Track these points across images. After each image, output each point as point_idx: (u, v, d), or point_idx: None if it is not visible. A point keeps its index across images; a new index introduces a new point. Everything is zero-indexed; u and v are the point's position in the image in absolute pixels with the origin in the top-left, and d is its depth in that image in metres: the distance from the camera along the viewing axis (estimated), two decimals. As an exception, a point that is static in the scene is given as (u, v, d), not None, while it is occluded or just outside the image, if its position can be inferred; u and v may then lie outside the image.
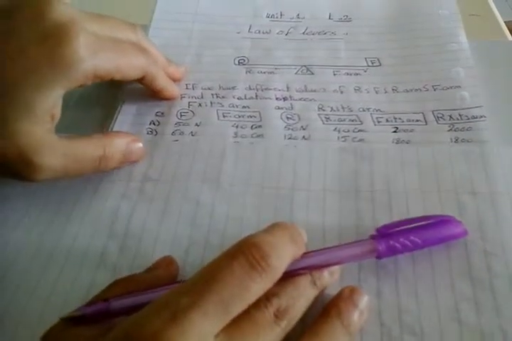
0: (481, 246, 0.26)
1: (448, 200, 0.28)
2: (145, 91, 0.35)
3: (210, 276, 0.20)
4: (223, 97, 0.35)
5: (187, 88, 0.36)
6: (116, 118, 0.34)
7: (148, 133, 0.33)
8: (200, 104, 0.35)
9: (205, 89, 0.36)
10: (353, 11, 0.42)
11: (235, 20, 0.41)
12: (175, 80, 0.35)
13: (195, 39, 0.40)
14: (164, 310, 0.19)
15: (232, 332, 0.20)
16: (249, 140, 0.32)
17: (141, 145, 0.31)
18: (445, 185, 0.29)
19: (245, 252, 0.21)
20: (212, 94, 0.36)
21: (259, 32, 0.40)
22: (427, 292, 0.25)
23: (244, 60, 0.38)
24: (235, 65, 0.38)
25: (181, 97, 0.35)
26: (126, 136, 0.31)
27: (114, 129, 0.33)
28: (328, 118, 0.34)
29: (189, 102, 0.35)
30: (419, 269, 0.25)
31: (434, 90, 0.35)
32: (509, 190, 0.28)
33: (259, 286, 0.20)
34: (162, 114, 0.34)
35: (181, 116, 0.34)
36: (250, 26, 0.41)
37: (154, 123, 0.34)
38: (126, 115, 0.34)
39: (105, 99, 0.36)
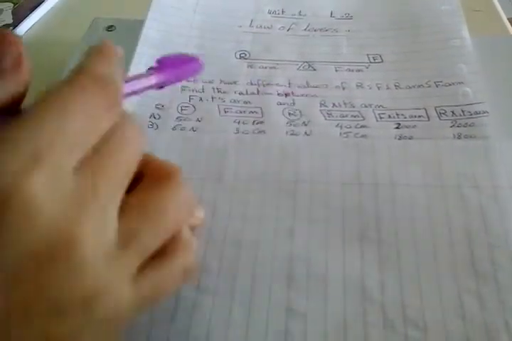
0: (484, 240, 0.26)
1: (451, 194, 0.28)
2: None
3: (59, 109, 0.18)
4: (224, 92, 0.35)
5: (187, 80, 0.36)
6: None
7: (149, 127, 0.33)
8: (201, 99, 0.35)
9: (206, 82, 0.36)
10: (354, 9, 0.42)
11: (237, 14, 0.41)
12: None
13: (196, 29, 0.40)
14: (23, 150, 0.16)
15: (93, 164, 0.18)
16: (251, 136, 0.32)
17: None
18: (448, 180, 0.29)
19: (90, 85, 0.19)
20: (213, 88, 0.35)
21: (261, 27, 0.40)
22: (431, 286, 0.25)
23: (246, 54, 0.38)
24: (236, 58, 0.38)
25: (182, 89, 0.35)
26: None
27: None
28: (330, 114, 0.33)
29: (190, 96, 0.35)
30: (422, 263, 0.25)
31: (437, 86, 0.34)
32: (511, 184, 0.28)
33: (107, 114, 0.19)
34: (162, 106, 0.34)
35: (182, 110, 0.34)
36: (252, 21, 0.41)
37: (155, 117, 0.34)
38: (125, 105, 0.34)
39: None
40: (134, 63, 0.36)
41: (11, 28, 0.45)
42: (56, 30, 0.46)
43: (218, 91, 0.35)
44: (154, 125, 0.33)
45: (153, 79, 0.26)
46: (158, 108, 0.34)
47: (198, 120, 0.33)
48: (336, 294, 0.24)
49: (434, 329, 0.23)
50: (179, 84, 0.35)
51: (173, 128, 0.33)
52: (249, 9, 0.42)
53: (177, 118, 0.33)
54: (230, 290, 0.25)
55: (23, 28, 0.45)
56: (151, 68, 0.26)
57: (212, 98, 0.35)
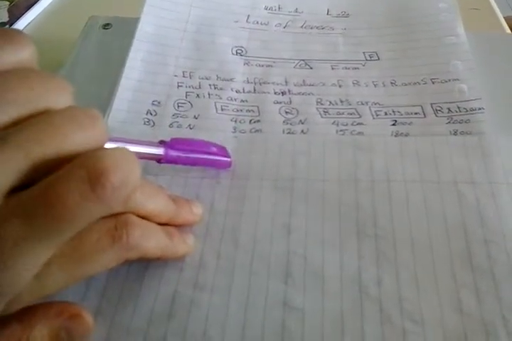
0: (480, 235, 0.26)
1: (447, 190, 0.28)
2: (141, 76, 0.34)
3: None
4: (221, 89, 0.35)
5: (184, 76, 0.36)
6: (112, 105, 0.33)
7: (145, 124, 0.33)
8: (197, 95, 0.35)
9: (202, 78, 0.36)
10: (350, 7, 0.42)
11: (233, 9, 0.41)
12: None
13: (192, 24, 0.39)
14: None
15: None
16: (248, 135, 0.32)
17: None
18: (444, 176, 0.29)
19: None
20: (209, 85, 0.35)
21: (258, 23, 0.40)
22: (428, 281, 0.25)
23: (242, 51, 0.38)
24: (233, 54, 0.38)
25: (178, 86, 0.35)
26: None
27: (111, 117, 0.33)
28: (326, 112, 0.34)
29: (186, 92, 0.35)
30: (419, 258, 0.25)
31: (433, 83, 0.35)
32: (508, 180, 0.28)
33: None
34: (159, 103, 0.34)
35: (179, 106, 0.34)
36: (248, 16, 0.41)
37: (151, 113, 0.33)
38: (122, 101, 0.34)
39: (101, 82, 0.35)
40: (130, 58, 0.36)
41: (7, 26, 0.44)
42: (52, 28, 0.46)
43: (215, 88, 0.35)
44: (151, 122, 0.33)
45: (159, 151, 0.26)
46: (154, 104, 0.34)
47: (194, 117, 0.33)
48: (332, 289, 0.24)
49: (431, 323, 0.23)
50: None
51: (170, 126, 0.33)
52: (246, 4, 0.42)
53: (174, 115, 0.33)
54: (227, 287, 0.25)
55: (18, 27, 0.45)
56: (162, 142, 0.27)
57: (209, 95, 0.35)
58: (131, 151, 0.19)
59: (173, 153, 0.27)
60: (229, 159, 0.30)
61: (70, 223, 0.18)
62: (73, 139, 0.18)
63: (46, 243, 0.18)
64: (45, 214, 0.17)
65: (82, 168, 0.17)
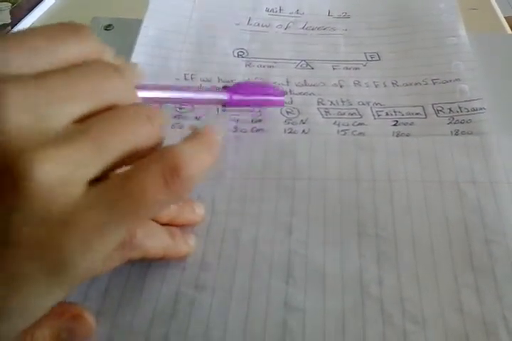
0: (481, 234, 0.26)
1: (449, 190, 0.28)
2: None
3: None
4: (223, 90, 0.35)
5: (185, 78, 0.36)
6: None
7: (146, 125, 0.33)
8: (199, 97, 0.35)
9: (204, 80, 0.36)
10: (352, 8, 0.42)
11: (234, 12, 0.41)
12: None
13: (193, 27, 0.40)
14: None
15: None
16: (249, 134, 0.32)
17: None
18: (446, 175, 0.29)
19: None
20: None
21: (259, 25, 0.40)
22: (429, 280, 0.25)
23: (244, 53, 0.38)
24: (234, 56, 0.38)
25: None
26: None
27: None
28: (327, 112, 0.34)
29: (188, 93, 0.35)
30: (420, 258, 0.26)
31: (434, 84, 0.35)
32: (509, 179, 0.28)
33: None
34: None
35: (180, 108, 0.34)
36: (249, 19, 0.41)
37: (153, 114, 0.34)
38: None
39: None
40: (132, 61, 0.36)
41: (9, 27, 0.45)
42: (54, 29, 0.46)
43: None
44: (152, 122, 0.33)
45: (223, 95, 0.29)
46: None
47: (196, 118, 0.33)
48: (334, 289, 0.25)
49: (432, 323, 0.23)
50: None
51: (172, 127, 0.33)
52: (247, 7, 0.42)
53: (175, 116, 0.33)
54: (228, 287, 0.25)
55: (21, 28, 0.45)
56: (225, 87, 0.30)
57: (211, 96, 0.35)
58: (204, 147, 0.21)
59: (237, 97, 0.30)
60: (283, 98, 0.33)
61: (147, 213, 0.19)
62: (141, 133, 0.19)
63: (122, 229, 0.18)
64: (127, 203, 0.18)
65: (159, 163, 0.19)
